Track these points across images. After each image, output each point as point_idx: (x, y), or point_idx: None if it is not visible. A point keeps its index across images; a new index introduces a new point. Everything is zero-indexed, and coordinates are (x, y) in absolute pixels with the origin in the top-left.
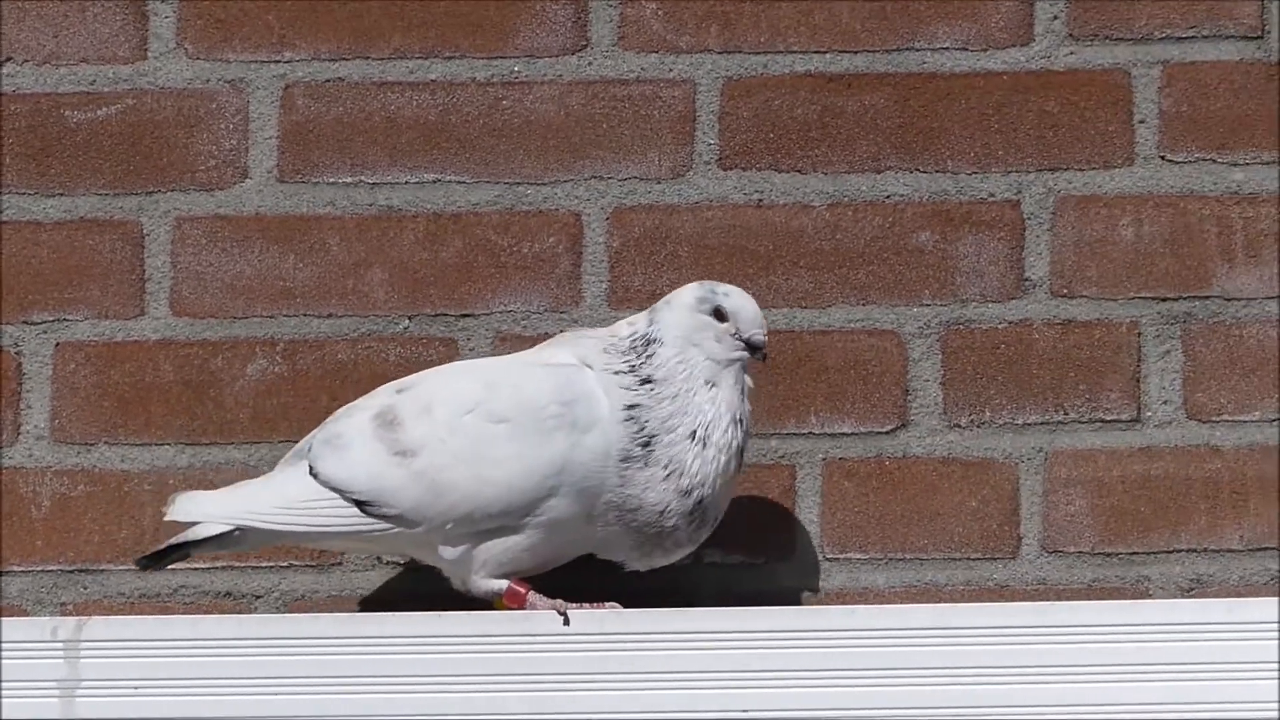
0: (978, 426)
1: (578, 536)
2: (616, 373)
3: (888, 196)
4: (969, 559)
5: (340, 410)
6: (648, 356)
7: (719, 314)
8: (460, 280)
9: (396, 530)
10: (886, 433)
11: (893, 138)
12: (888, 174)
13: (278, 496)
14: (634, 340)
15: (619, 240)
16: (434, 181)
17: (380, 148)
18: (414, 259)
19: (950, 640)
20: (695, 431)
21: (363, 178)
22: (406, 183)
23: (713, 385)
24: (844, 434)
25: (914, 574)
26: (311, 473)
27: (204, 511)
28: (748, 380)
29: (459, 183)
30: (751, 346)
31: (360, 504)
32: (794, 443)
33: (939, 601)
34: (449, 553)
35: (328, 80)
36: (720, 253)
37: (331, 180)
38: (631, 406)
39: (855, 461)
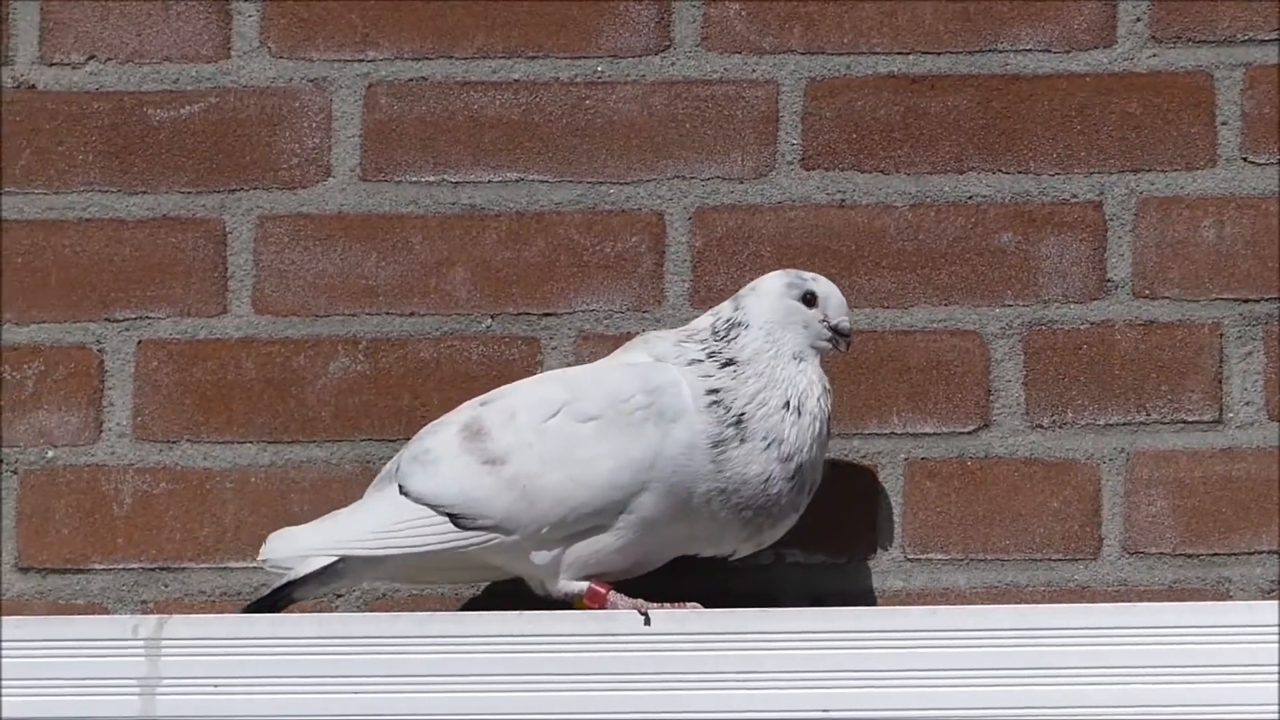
0: (1060, 427)
1: (671, 535)
2: (692, 362)
3: (970, 197)
4: (1050, 560)
5: (425, 428)
6: (731, 340)
7: (808, 299)
8: (543, 279)
9: (493, 540)
10: (968, 433)
11: (975, 138)
12: (970, 175)
13: (372, 520)
14: (715, 326)
15: (701, 240)
16: (517, 181)
17: (463, 147)
18: (496, 258)
19: (1031, 641)
20: (789, 401)
21: (445, 177)
22: (489, 182)
23: (800, 360)
24: (926, 434)
25: (995, 575)
26: (402, 492)
27: (300, 547)
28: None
29: (542, 182)
30: (839, 333)
31: (453, 517)
32: (876, 443)
33: (1020, 602)
34: (540, 557)
35: (411, 79)
36: (803, 253)
37: (414, 179)
38: (713, 392)
39: (937, 462)
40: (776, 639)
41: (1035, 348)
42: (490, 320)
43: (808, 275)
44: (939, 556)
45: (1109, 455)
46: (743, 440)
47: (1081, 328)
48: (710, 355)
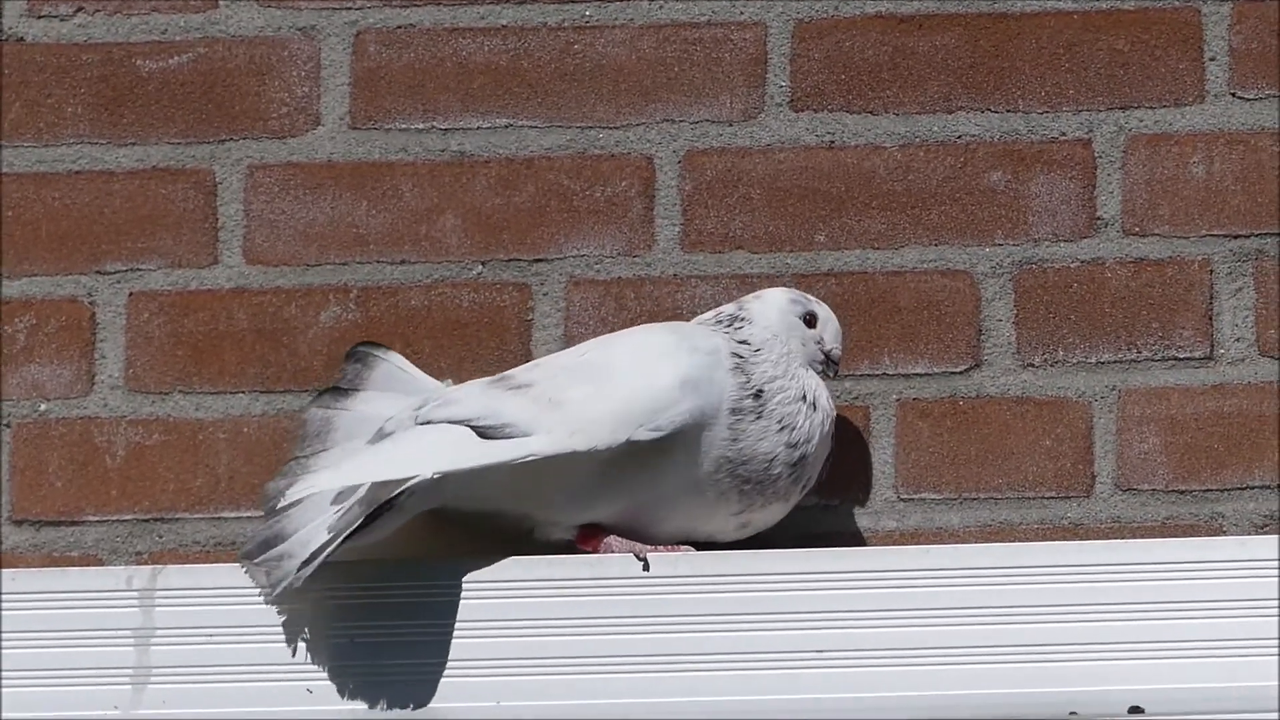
0: (1051, 365)
1: (671, 497)
2: (713, 329)
3: (959, 137)
4: (1043, 498)
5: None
6: (738, 329)
7: (809, 319)
8: (533, 225)
9: (526, 452)
10: (960, 373)
11: (963, 78)
12: (959, 114)
13: (410, 448)
14: (720, 318)
15: (691, 184)
16: (506, 127)
17: (452, 93)
18: (487, 204)
19: (1025, 579)
20: (805, 395)
21: (435, 124)
22: (478, 128)
23: (807, 369)
24: (918, 374)
25: (988, 513)
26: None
27: (356, 475)
28: None
29: (531, 127)
30: (830, 360)
31: (480, 430)
32: (868, 384)
33: (1013, 541)
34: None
35: (399, 26)
36: (793, 195)
37: (403, 127)
38: (736, 356)
39: (929, 402)
40: (770, 580)
41: (1026, 287)
42: (481, 267)
43: (811, 298)
44: (932, 496)
45: (1100, 393)
46: (759, 416)
47: (1072, 266)
48: (727, 334)
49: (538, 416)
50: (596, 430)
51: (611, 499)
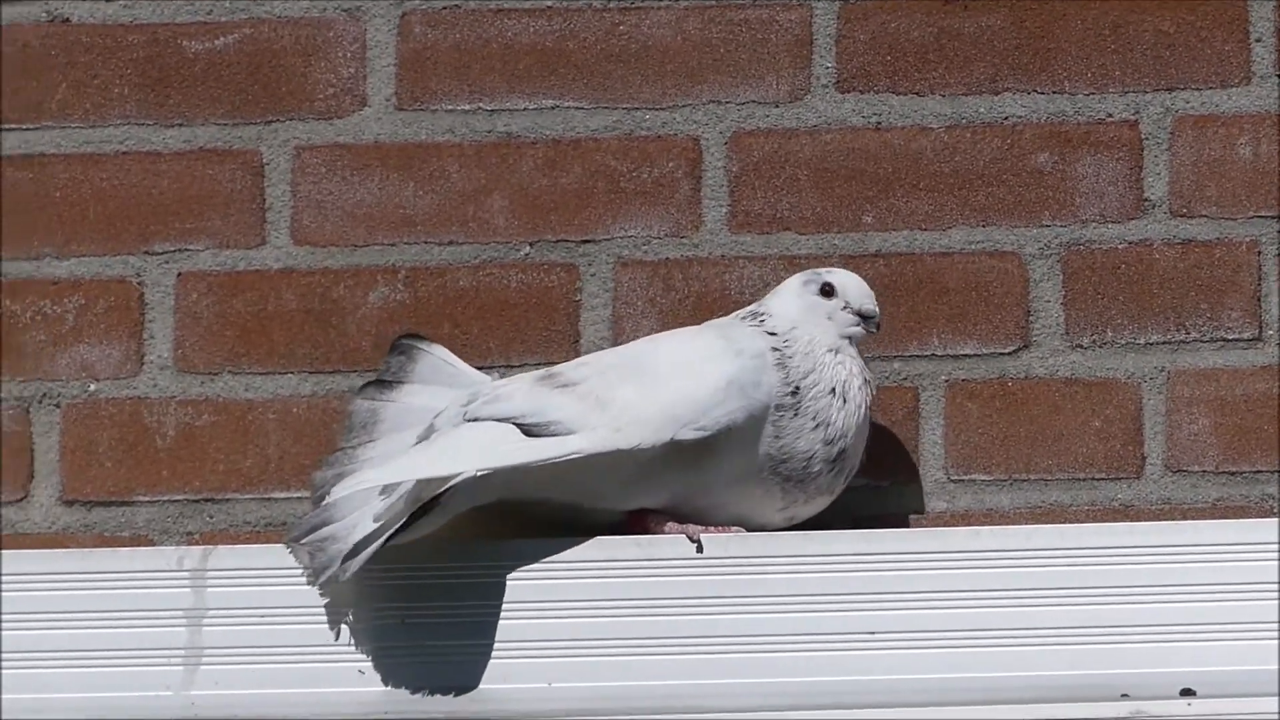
0: (1100, 346)
1: (731, 495)
2: (748, 326)
3: (1006, 118)
4: (1093, 479)
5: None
6: (760, 322)
7: (826, 290)
8: (580, 206)
9: (570, 450)
10: (1009, 354)
11: (1010, 59)
12: (1005, 95)
13: (456, 445)
14: (743, 317)
15: (738, 165)
16: (552, 108)
17: (498, 74)
18: (534, 185)
19: (1075, 561)
20: (835, 389)
21: (481, 105)
22: (525, 109)
23: (837, 352)
24: (966, 355)
25: (1038, 495)
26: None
27: (403, 471)
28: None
29: (578, 109)
30: (864, 316)
31: (526, 427)
32: (917, 365)
33: (1063, 522)
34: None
35: (444, 7)
36: (839, 176)
37: (450, 108)
38: (776, 350)
39: (978, 383)
40: (821, 562)
41: (1074, 268)
42: (528, 248)
43: (823, 270)
44: (982, 477)
45: (1149, 374)
46: (796, 413)
47: (1120, 247)
48: (752, 327)
49: (583, 414)
50: (641, 429)
51: (658, 492)
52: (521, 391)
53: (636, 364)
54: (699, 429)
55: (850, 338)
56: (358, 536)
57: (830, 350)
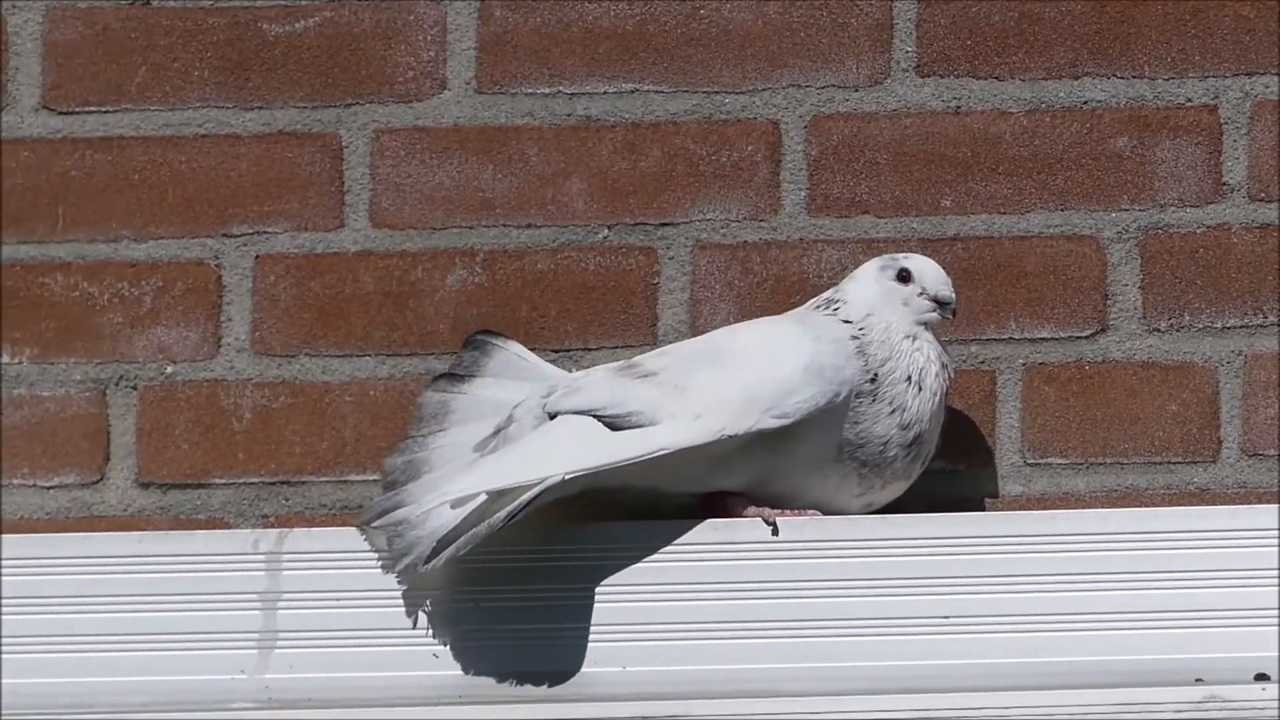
0: (1177, 330)
1: (809, 481)
2: (825, 315)
3: (1085, 102)
4: (1169, 463)
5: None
6: (835, 309)
7: (903, 277)
8: (659, 189)
9: (654, 447)
10: (1086, 337)
11: (1089, 43)
12: (1085, 80)
13: (540, 446)
14: (817, 304)
15: (817, 148)
16: (632, 91)
17: (578, 58)
18: (613, 168)
19: (1150, 544)
20: (910, 376)
21: (561, 88)
22: (604, 93)
23: (914, 338)
24: (1044, 339)
25: (1114, 478)
26: (551, 418)
27: (499, 478)
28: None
29: (657, 92)
30: (941, 303)
31: (607, 420)
32: (994, 348)
33: (1139, 505)
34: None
35: None
36: (918, 160)
37: (529, 91)
38: (855, 339)
39: (1055, 366)
40: (897, 545)
41: (1152, 251)
42: (607, 231)
43: (900, 255)
44: (1058, 461)
45: (1226, 358)
46: (874, 400)
47: (1198, 231)
48: (828, 315)
49: (663, 402)
50: (721, 415)
51: (737, 475)
52: (601, 382)
53: (716, 351)
54: (780, 415)
55: (926, 324)
56: (435, 524)
57: (908, 337)
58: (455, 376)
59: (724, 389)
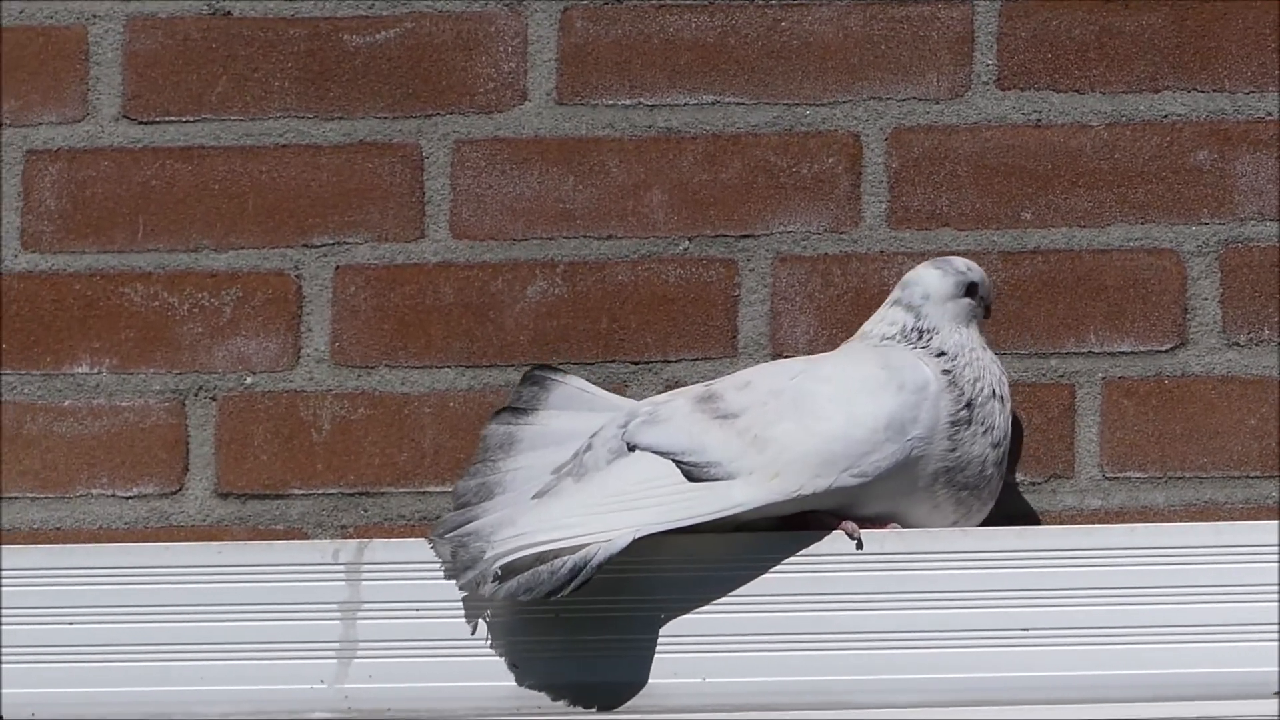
0: (1257, 345)
1: (899, 511)
2: (914, 349)
3: (1165, 116)
4: (1248, 477)
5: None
6: (927, 342)
7: (972, 291)
8: (740, 201)
9: (731, 505)
10: (1165, 351)
11: (1170, 57)
12: (1165, 93)
13: (615, 496)
14: (904, 334)
15: (898, 161)
16: (713, 103)
17: (659, 70)
18: (693, 180)
19: (1229, 558)
20: (995, 390)
21: (641, 100)
22: (685, 104)
23: (985, 348)
24: (1123, 353)
25: (1193, 492)
26: (630, 448)
27: (581, 532)
28: None
29: (738, 104)
30: (989, 306)
31: (685, 467)
32: (1073, 362)
33: (1218, 520)
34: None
35: (606, 3)
36: (999, 173)
37: (610, 102)
38: (946, 372)
39: (1134, 380)
40: (977, 558)
41: (1232, 265)
42: (688, 243)
43: (959, 264)
44: (1137, 475)
45: None
46: (969, 423)
47: (1278, 245)
48: (925, 348)
49: (742, 454)
50: (800, 477)
51: (824, 503)
52: (681, 413)
53: (796, 397)
54: (859, 475)
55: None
56: (501, 537)
57: (983, 349)
58: (518, 410)
59: (803, 445)
